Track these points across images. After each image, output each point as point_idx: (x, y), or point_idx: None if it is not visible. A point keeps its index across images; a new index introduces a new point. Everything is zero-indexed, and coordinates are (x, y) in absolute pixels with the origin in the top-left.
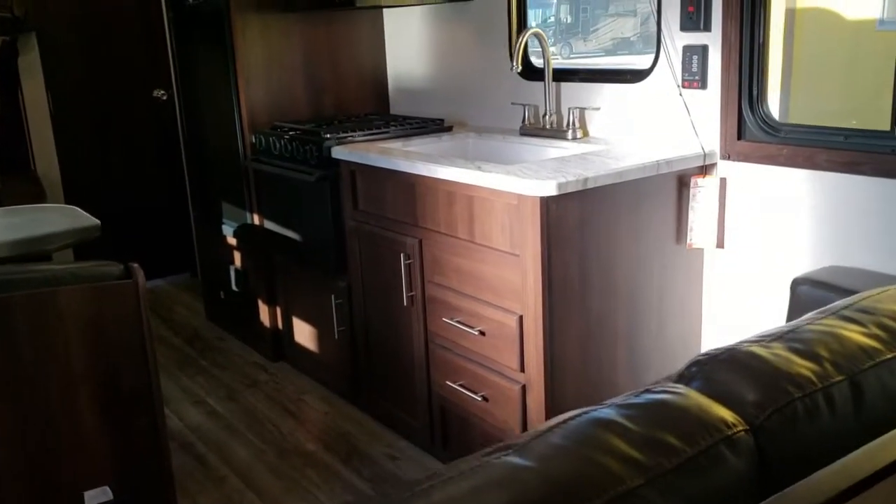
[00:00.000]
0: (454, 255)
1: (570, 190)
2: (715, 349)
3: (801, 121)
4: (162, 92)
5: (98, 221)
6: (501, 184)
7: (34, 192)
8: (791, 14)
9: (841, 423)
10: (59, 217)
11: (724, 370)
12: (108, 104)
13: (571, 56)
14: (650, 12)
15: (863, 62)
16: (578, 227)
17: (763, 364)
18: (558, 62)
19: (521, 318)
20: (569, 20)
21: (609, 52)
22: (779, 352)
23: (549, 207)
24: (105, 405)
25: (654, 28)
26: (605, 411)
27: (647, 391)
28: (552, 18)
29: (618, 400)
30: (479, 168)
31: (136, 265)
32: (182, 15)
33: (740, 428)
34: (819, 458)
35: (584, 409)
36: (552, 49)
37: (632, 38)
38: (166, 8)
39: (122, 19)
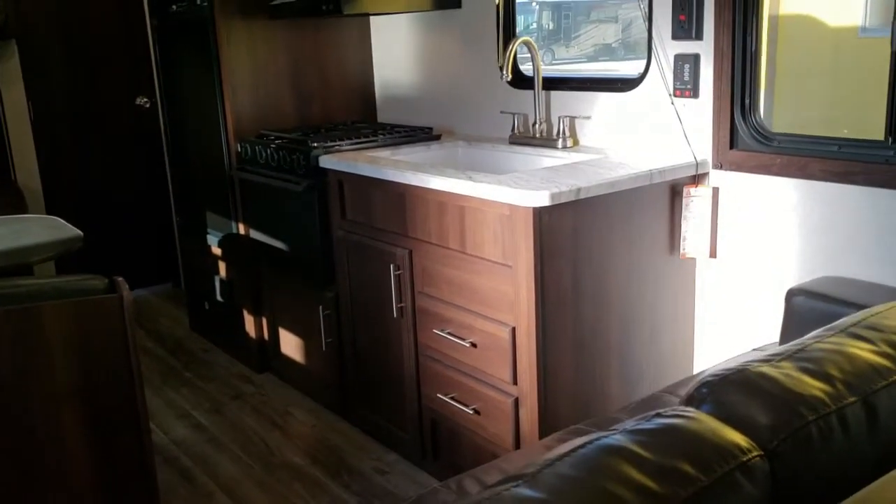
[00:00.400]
0: (445, 265)
1: (563, 200)
2: (724, 369)
3: (784, 129)
4: (145, 99)
5: (80, 233)
6: (493, 194)
7: (14, 203)
8: (774, 21)
9: (855, 446)
10: (41, 228)
11: (735, 392)
12: (89, 112)
13: (553, 62)
14: (632, 19)
15: (846, 70)
16: (571, 238)
17: (775, 385)
18: (546, 70)
19: (513, 329)
20: (551, 27)
21: (591, 59)
22: (790, 372)
23: (542, 218)
24: (89, 422)
25: (637, 34)
26: (616, 437)
27: (658, 415)
28: (534, 25)
29: (628, 425)
30: (470, 178)
31: (120, 279)
32: (166, 22)
33: (755, 453)
34: (834, 482)
35: (594, 436)
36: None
37: (613, 45)
38: (150, 15)
39: (103, 26)
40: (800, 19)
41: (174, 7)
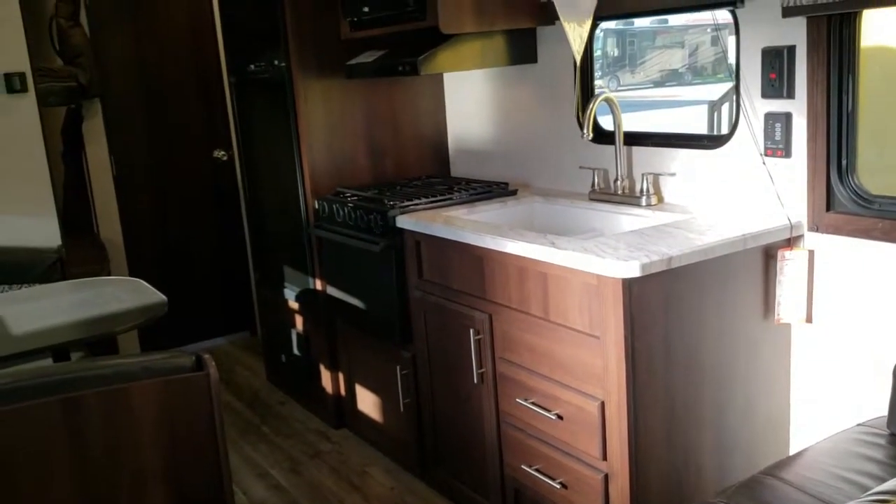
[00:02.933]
0: (527, 332)
1: (653, 270)
2: None
3: (867, 183)
4: (222, 152)
5: (164, 298)
6: (579, 262)
7: (97, 256)
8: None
9: None
10: (126, 293)
11: None
12: (168, 165)
13: (619, 89)
14: (698, 44)
15: None
16: (662, 308)
17: None
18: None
19: (602, 404)
20: (615, 53)
21: (657, 84)
22: None
23: (632, 289)
24: (175, 501)
25: (703, 59)
26: None
27: None
28: (598, 52)
29: None
30: (553, 244)
31: (207, 356)
32: (244, 80)
33: None
34: None
35: None
36: (599, 82)
37: (680, 70)
38: (227, 73)
39: (181, 82)
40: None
41: (252, 66)
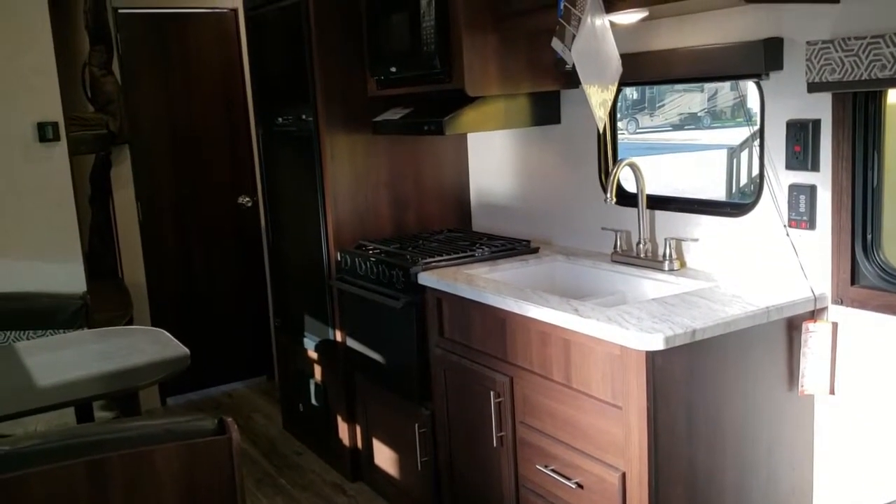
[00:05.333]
0: (548, 397)
1: (677, 343)
2: None
3: (893, 259)
4: (247, 199)
5: (187, 351)
6: (602, 332)
7: (121, 301)
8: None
9: None
10: (149, 345)
11: None
12: (193, 210)
13: (638, 131)
14: (717, 88)
15: None
16: (685, 380)
17: None
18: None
19: (623, 475)
20: (635, 96)
21: (676, 127)
22: None
23: (655, 361)
24: None
25: (722, 104)
26: None
27: None
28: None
29: None
30: (576, 310)
31: (229, 420)
32: (271, 131)
33: None
34: None
35: None
36: (619, 124)
37: (699, 114)
38: (255, 124)
39: (209, 130)
40: None
41: (280, 119)
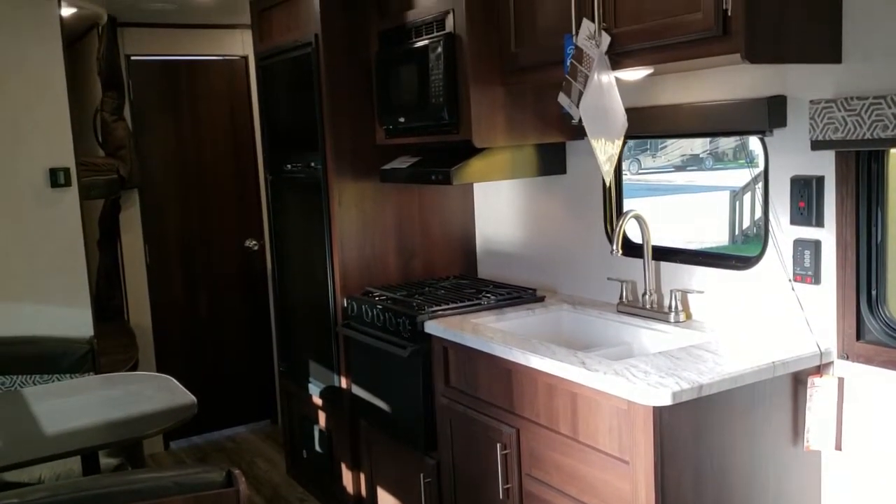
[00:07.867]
0: (555, 450)
1: (684, 399)
2: None
3: None
4: (254, 242)
5: (194, 399)
6: (609, 387)
7: (127, 345)
8: None
9: None
10: (156, 391)
11: None
12: (200, 252)
13: (640, 172)
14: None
15: None
16: (692, 435)
17: None
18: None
19: None
20: None
21: (678, 168)
22: None
23: (662, 416)
24: None
25: (725, 145)
26: None
27: None
28: None
29: None
30: (583, 363)
31: (237, 471)
32: (279, 177)
33: None
34: None
35: None
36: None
37: (701, 155)
38: (264, 170)
39: (218, 175)
40: None
41: (288, 166)
